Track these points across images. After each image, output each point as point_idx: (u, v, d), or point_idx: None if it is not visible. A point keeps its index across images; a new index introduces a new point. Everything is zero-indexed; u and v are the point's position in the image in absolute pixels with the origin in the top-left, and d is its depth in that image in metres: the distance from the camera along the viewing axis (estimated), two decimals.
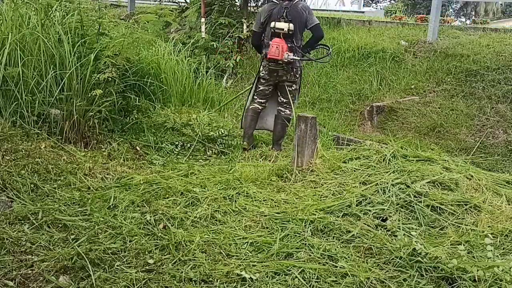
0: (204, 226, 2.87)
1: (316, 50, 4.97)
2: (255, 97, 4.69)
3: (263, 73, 4.56)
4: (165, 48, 5.53)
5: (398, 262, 2.50)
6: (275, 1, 4.47)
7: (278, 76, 4.50)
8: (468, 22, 22.59)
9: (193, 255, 2.52)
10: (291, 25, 4.32)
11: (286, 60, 4.31)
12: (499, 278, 2.30)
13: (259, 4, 8.82)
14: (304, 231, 2.80)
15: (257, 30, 4.57)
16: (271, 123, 4.70)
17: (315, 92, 7.37)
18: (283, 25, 4.31)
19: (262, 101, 4.68)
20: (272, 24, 4.35)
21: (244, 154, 4.23)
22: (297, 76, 4.56)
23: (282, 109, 4.62)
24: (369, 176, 3.43)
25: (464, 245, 2.63)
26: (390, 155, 3.64)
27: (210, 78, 6.06)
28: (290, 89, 4.58)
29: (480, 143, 5.66)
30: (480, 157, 5.00)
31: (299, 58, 4.42)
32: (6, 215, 2.71)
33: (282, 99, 4.62)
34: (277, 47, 4.28)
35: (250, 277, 2.33)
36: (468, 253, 2.59)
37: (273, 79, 4.54)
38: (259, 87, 4.64)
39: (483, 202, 3.13)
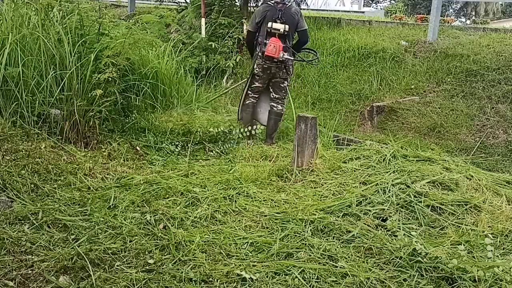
0: (204, 226, 2.87)
1: (302, 53, 5.32)
2: (249, 92, 4.96)
3: (257, 70, 4.84)
4: (165, 49, 5.53)
5: (398, 262, 2.50)
6: (270, 3, 4.78)
7: (272, 73, 4.81)
8: (468, 22, 22.60)
9: (193, 255, 2.52)
10: (287, 26, 4.64)
11: (281, 59, 4.62)
12: (499, 278, 2.30)
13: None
14: (304, 231, 2.80)
15: (253, 30, 4.86)
16: (264, 117, 5.01)
17: (315, 92, 7.36)
18: (279, 26, 4.63)
19: (256, 95, 4.98)
20: (269, 24, 4.64)
21: (244, 154, 4.23)
22: (289, 73, 4.89)
23: (275, 104, 4.94)
24: (369, 176, 3.43)
25: (464, 245, 2.63)
26: (390, 155, 3.64)
27: (209, 80, 6.09)
28: (282, 85, 4.90)
29: (480, 143, 5.66)
30: (480, 157, 5.00)
31: (292, 58, 4.76)
32: (6, 215, 2.71)
33: (274, 95, 4.94)
34: (274, 46, 4.59)
35: (250, 277, 2.34)
36: (468, 253, 2.59)
37: (266, 76, 4.84)
38: (254, 84, 4.92)
39: (483, 202, 3.13)
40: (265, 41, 4.66)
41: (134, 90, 4.67)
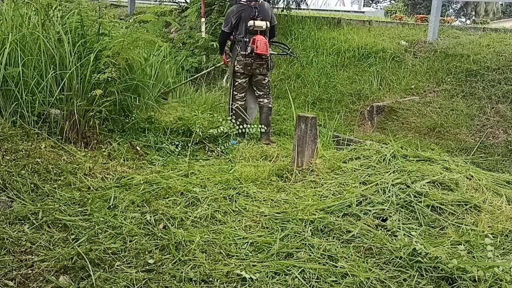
0: (204, 226, 2.87)
1: (274, 47, 5.45)
2: (235, 93, 4.99)
3: (237, 67, 4.90)
4: (165, 49, 5.53)
5: (398, 262, 2.50)
6: (242, 2, 4.82)
7: (252, 69, 4.88)
8: (468, 22, 22.59)
9: (193, 255, 2.52)
10: (268, 23, 4.77)
11: (268, 55, 4.77)
12: (499, 278, 2.30)
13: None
14: (304, 231, 2.80)
15: (228, 31, 4.91)
16: (252, 115, 5.13)
17: (315, 92, 7.36)
18: (262, 23, 4.74)
19: (242, 95, 5.01)
20: (251, 22, 4.71)
21: (244, 154, 4.23)
22: (269, 69, 4.98)
23: (262, 99, 5.02)
24: (369, 176, 3.43)
25: (464, 245, 2.63)
26: (390, 155, 3.64)
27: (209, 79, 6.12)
28: (264, 82, 4.97)
29: (480, 143, 5.66)
30: (480, 157, 5.00)
31: (276, 53, 4.93)
32: (6, 215, 2.71)
33: (258, 92, 5.04)
34: (265, 43, 4.69)
35: (250, 277, 2.34)
36: (468, 253, 2.59)
37: (247, 72, 4.90)
38: (237, 81, 4.96)
39: (483, 202, 3.13)
40: (244, 39, 4.73)
41: (136, 90, 4.65)
